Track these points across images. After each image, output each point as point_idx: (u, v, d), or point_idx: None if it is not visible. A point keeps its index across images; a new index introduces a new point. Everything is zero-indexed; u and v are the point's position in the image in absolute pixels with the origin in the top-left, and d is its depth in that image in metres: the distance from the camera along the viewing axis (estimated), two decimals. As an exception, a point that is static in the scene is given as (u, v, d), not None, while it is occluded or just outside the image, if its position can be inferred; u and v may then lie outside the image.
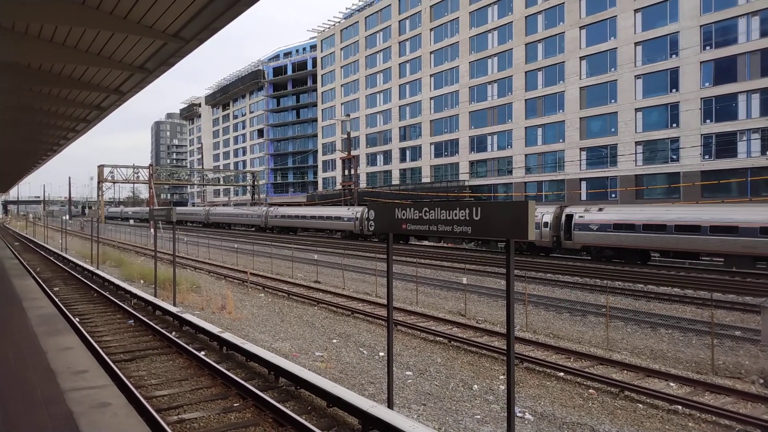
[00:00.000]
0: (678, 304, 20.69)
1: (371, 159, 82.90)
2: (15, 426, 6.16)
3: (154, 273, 20.88)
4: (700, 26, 45.42)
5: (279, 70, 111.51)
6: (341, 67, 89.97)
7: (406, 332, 16.04)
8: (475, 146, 66.11)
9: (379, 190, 75.67)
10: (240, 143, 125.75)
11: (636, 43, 49.85)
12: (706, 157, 45.44)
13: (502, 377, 11.84)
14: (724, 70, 44.35)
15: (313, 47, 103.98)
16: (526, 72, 59.86)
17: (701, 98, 45.62)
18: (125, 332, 14.83)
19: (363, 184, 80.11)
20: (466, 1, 66.20)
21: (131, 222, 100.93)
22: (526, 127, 59.98)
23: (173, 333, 14.29)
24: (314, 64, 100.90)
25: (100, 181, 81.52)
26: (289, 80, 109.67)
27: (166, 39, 11.63)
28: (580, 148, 54.60)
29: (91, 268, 28.26)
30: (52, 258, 36.31)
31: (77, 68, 15.16)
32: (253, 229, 74.06)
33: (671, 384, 11.51)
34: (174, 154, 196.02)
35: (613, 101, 51.80)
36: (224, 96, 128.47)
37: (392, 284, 8.64)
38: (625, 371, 12.29)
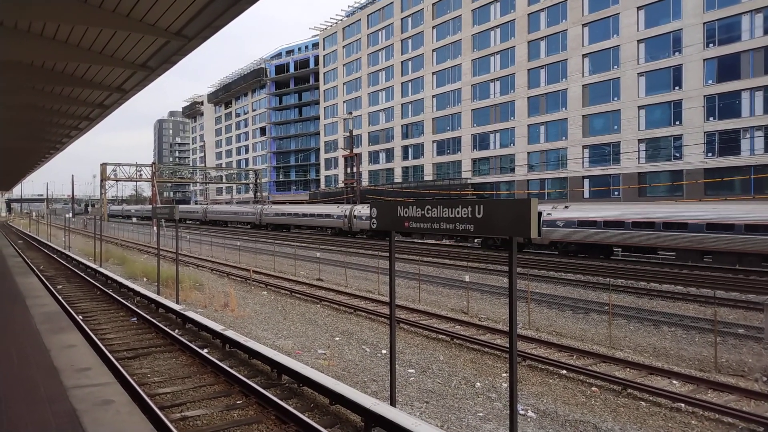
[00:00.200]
0: (681, 301, 20.65)
1: (373, 157, 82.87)
2: (18, 423, 6.18)
3: (157, 271, 20.91)
4: (704, 23, 45.27)
5: (281, 68, 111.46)
6: (343, 65, 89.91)
7: (409, 330, 16.05)
8: (478, 144, 66.02)
9: (381, 188, 75.68)
10: (242, 141, 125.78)
11: (639, 41, 49.71)
12: (709, 154, 45.32)
13: (504, 375, 11.84)
14: (727, 68, 44.20)
15: (315, 45, 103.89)
16: (528, 69, 59.74)
17: (704, 96, 45.48)
18: (128, 330, 14.86)
19: (365, 182, 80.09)
20: (468, -2, 66.12)
21: (134, 220, 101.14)
22: (528, 125, 59.87)
23: (176, 330, 14.32)
24: (316, 62, 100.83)
25: (103, 179, 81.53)
26: (292, 78, 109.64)
27: (168, 37, 11.64)
28: (583, 146, 54.50)
29: (94, 266, 28.32)
30: (55, 256, 36.41)
31: (80, 66, 15.18)
32: (248, 226, 76.33)
33: (674, 382, 11.49)
34: (177, 152, 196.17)
35: (615, 99, 51.68)
36: (227, 94, 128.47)
37: (394, 282, 8.64)
38: (628, 369, 12.27)
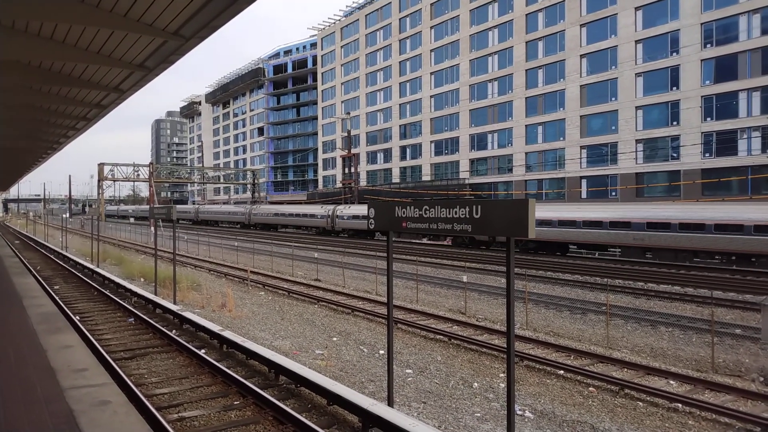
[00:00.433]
0: (678, 302, 20.69)
1: (371, 157, 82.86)
2: (15, 424, 6.16)
3: (155, 271, 20.88)
4: (701, 24, 45.34)
5: (279, 68, 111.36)
6: (341, 65, 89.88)
7: (407, 330, 16.05)
8: (476, 144, 66.05)
9: (379, 188, 75.68)
10: (240, 141, 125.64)
11: (637, 41, 49.78)
12: (707, 155, 45.39)
13: (502, 375, 11.84)
14: (724, 68, 44.27)
15: (313, 45, 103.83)
16: (526, 70, 59.78)
17: (702, 96, 45.55)
18: (125, 330, 14.84)
19: (363, 182, 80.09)
20: (466, -2, 66.15)
21: (131, 220, 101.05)
22: (526, 125, 59.92)
23: (173, 331, 14.30)
24: (314, 62, 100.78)
25: (101, 179, 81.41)
26: (290, 78, 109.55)
27: (165, 37, 11.62)
28: (581, 146, 54.56)
29: (91, 267, 28.27)
30: (52, 256, 36.33)
31: (77, 66, 15.15)
32: (238, 225, 78.60)
33: (671, 382, 11.51)
34: (174, 152, 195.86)
35: (613, 99, 51.74)
36: (224, 94, 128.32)
37: (392, 282, 8.64)
38: (625, 369, 12.29)
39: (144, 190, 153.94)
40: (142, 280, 26.14)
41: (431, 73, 71.85)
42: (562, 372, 12.07)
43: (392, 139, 78.58)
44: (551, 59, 57.17)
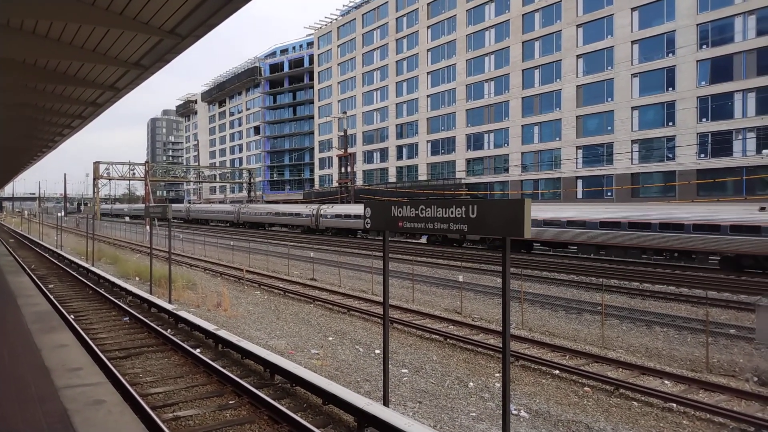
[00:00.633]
0: (673, 302, 20.76)
1: (368, 156, 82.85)
2: (9, 423, 6.14)
3: (150, 270, 20.83)
4: (697, 25, 45.49)
5: (275, 67, 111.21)
6: (338, 64, 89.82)
7: (402, 330, 16.06)
8: (472, 144, 66.11)
9: (375, 187, 75.67)
10: (236, 140, 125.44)
11: (633, 42, 49.90)
12: (702, 155, 45.55)
13: (497, 375, 11.86)
14: (720, 69, 44.44)
15: (309, 44, 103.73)
16: (523, 70, 59.87)
17: (697, 97, 45.71)
18: (120, 329, 14.80)
19: (359, 182, 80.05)
20: (463, -2, 66.20)
21: (126, 219, 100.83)
22: (522, 125, 60.01)
23: (169, 330, 14.27)
24: (311, 61, 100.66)
25: (96, 177, 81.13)
26: (286, 77, 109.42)
27: (162, 35, 11.57)
28: (577, 147, 54.67)
29: (86, 265, 28.18)
30: (47, 255, 36.21)
31: (72, 65, 15.07)
32: (227, 224, 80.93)
33: (666, 382, 11.55)
34: (170, 150, 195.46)
35: (609, 99, 51.87)
36: (220, 93, 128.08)
37: (388, 282, 8.64)
38: (620, 369, 12.33)
39: (140, 189, 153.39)
40: (137, 279, 26.07)
41: (428, 73, 71.87)
42: (557, 372, 12.09)
43: (389, 139, 78.58)
44: (548, 59, 57.27)
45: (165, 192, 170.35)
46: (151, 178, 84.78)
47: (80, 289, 22.08)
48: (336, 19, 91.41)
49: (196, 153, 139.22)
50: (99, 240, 40.59)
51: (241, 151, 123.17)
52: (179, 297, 19.86)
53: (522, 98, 59.97)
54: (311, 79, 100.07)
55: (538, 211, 36.08)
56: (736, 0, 43.17)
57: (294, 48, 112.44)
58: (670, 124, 47.54)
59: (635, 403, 10.48)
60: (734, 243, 27.28)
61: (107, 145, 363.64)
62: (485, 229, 6.61)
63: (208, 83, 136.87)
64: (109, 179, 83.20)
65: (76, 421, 6.15)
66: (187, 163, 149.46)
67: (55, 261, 32.25)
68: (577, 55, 54.48)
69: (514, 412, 9.79)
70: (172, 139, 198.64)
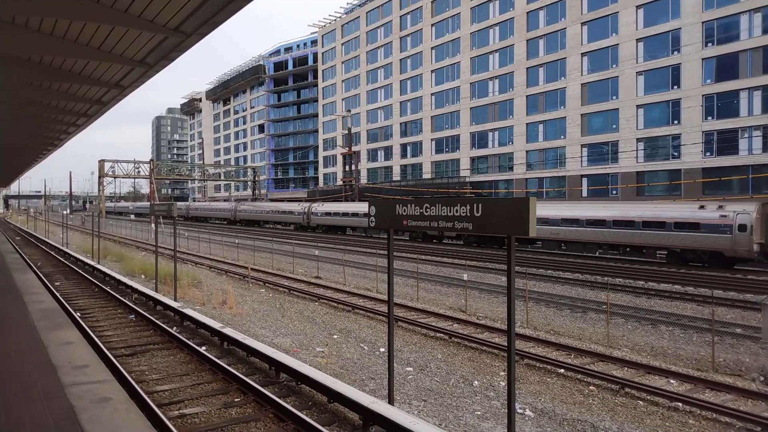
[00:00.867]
0: (679, 301, 20.68)
1: (372, 155, 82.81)
2: (16, 420, 6.16)
3: (155, 268, 20.88)
4: (702, 23, 45.27)
5: (280, 65, 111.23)
6: (342, 63, 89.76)
7: (407, 328, 16.05)
8: (476, 142, 66.00)
9: (380, 186, 75.63)
10: (241, 138, 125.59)
11: (638, 40, 49.69)
12: (708, 154, 45.35)
13: (502, 373, 11.84)
14: (725, 67, 44.21)
15: (314, 42, 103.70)
16: (527, 68, 59.71)
17: (703, 95, 45.50)
18: (126, 327, 14.84)
19: (364, 180, 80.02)
20: (467, -4, 66.04)
21: (132, 217, 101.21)
22: (527, 124, 59.86)
23: (174, 328, 14.31)
24: (315, 60, 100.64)
25: (101, 175, 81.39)
26: (290, 75, 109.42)
27: (166, 33, 11.59)
28: (581, 145, 54.51)
29: (92, 263, 28.27)
30: (53, 252, 36.35)
31: (78, 62, 15.12)
32: (225, 222, 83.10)
33: (672, 381, 11.50)
34: (175, 149, 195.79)
35: (614, 98, 51.69)
36: (225, 91, 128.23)
37: (393, 280, 8.63)
38: (626, 368, 12.29)
39: (144, 187, 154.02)
40: (142, 276, 26.14)
41: (432, 71, 71.76)
42: (562, 370, 12.06)
43: (393, 137, 78.52)
44: (552, 57, 57.10)
45: (170, 190, 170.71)
46: (155, 176, 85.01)
47: (86, 286, 22.16)
48: (340, 17, 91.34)
49: (200, 151, 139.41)
50: (104, 238, 40.72)
51: (245, 149, 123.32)
52: (185, 295, 19.91)
53: (526, 96, 59.81)
54: (315, 77, 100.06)
55: None
56: (742, -3, 42.95)
57: (298, 46, 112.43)
58: (676, 122, 47.34)
59: (641, 402, 10.45)
60: (677, 238, 29.42)
61: (112, 144, 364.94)
62: (490, 228, 6.60)
63: (212, 81, 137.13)
64: (114, 177, 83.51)
65: (82, 419, 6.16)
66: (191, 162, 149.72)
67: (61, 258, 32.37)
68: (582, 53, 54.29)
69: (519, 410, 9.78)
70: (176, 137, 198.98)
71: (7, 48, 13.26)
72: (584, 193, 53.75)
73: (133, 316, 16.09)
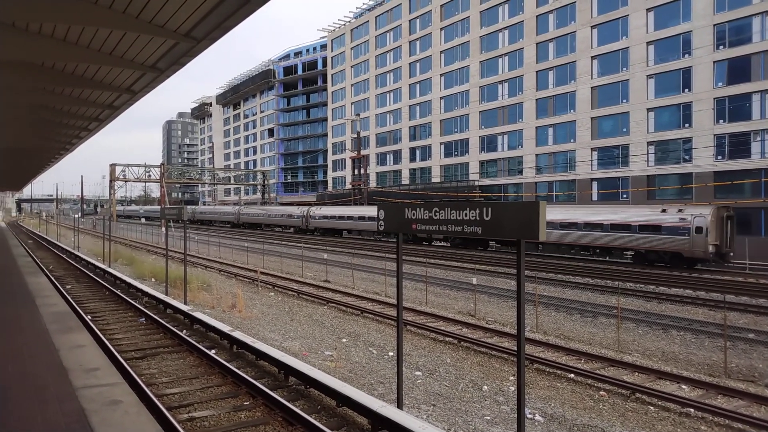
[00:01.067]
0: (690, 305, 20.51)
1: (381, 158, 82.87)
2: (28, 422, 6.21)
3: (165, 271, 20.99)
4: (714, 25, 44.96)
5: (289, 70, 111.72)
6: (351, 67, 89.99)
7: (416, 332, 16.02)
8: (485, 146, 65.88)
9: (388, 189, 75.63)
10: (250, 142, 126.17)
11: (648, 43, 49.44)
12: (719, 157, 44.99)
13: (512, 378, 11.79)
14: (737, 70, 43.87)
15: (323, 47, 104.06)
16: (537, 71, 59.56)
17: (714, 98, 45.16)
18: (136, 330, 14.92)
19: (373, 184, 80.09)
20: (476, 0, 65.99)
21: (142, 220, 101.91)
22: (536, 127, 59.68)
23: (184, 331, 14.36)
24: (324, 64, 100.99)
25: (112, 179, 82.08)
26: (300, 80, 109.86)
27: (177, 38, 11.69)
28: (592, 148, 54.26)
29: (102, 266, 28.47)
30: (64, 256, 36.64)
31: (90, 68, 15.27)
32: (228, 225, 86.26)
33: (683, 386, 11.41)
34: (185, 153, 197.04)
35: (624, 101, 51.43)
36: (235, 95, 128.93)
37: (402, 284, 8.62)
38: (637, 373, 12.20)
39: (155, 191, 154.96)
40: (153, 280, 26.28)
41: (441, 75, 71.77)
42: (572, 375, 11.99)
43: (402, 141, 78.55)
44: (562, 61, 56.93)
45: (180, 194, 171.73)
46: (166, 180, 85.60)
47: (97, 289, 22.31)
48: (349, 22, 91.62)
49: (210, 155, 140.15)
50: (115, 241, 41.01)
51: (255, 153, 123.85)
52: (194, 298, 19.99)
53: (536, 100, 59.65)
54: (325, 81, 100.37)
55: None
56: (753, 0, 42.61)
57: (307, 51, 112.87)
58: (687, 125, 47.01)
59: (652, 407, 10.37)
60: (641, 240, 31.51)
61: (123, 148, 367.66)
62: (500, 232, 6.58)
63: (222, 86, 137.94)
64: (125, 181, 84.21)
65: (93, 421, 6.20)
66: (201, 166, 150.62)
67: (73, 262, 32.63)
68: (592, 57, 54.09)
69: (529, 415, 9.73)
70: (187, 141, 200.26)
71: (20, 54, 13.42)
72: (594, 197, 53.49)
73: (143, 319, 16.17)
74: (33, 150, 33.55)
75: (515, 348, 8.71)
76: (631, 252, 33.18)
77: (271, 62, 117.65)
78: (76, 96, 18.92)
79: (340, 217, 58.90)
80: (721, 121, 44.95)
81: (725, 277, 27.26)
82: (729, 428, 9.48)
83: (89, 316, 15.98)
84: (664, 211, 31.32)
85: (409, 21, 77.10)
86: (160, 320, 15.35)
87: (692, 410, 10.08)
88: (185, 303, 17.75)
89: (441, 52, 71.77)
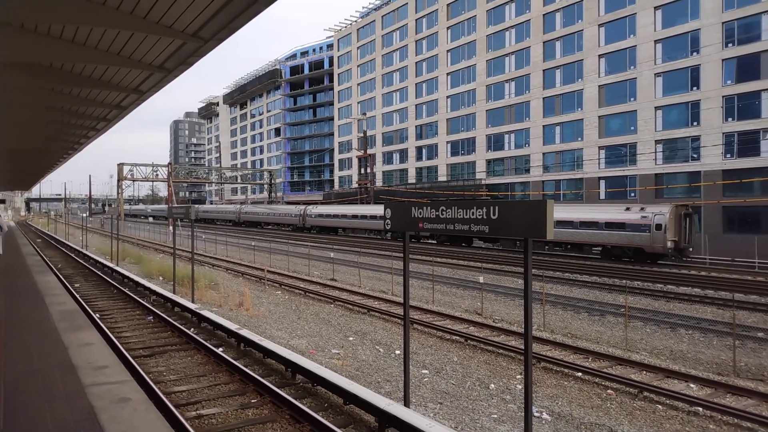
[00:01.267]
0: (698, 304, 20.41)
1: (387, 157, 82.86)
2: (38, 419, 6.27)
3: (173, 270, 21.09)
4: (722, 23, 44.65)
5: (296, 69, 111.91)
6: (358, 66, 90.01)
7: (423, 331, 16.03)
8: (492, 145, 65.74)
9: (395, 188, 75.63)
10: (257, 142, 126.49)
11: (656, 41, 49.16)
12: (728, 155, 44.67)
13: (519, 376, 11.78)
14: (746, 68, 43.53)
15: (329, 46, 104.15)
16: (543, 70, 59.37)
17: (723, 96, 44.84)
18: (144, 328, 15.00)
19: (379, 183, 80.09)
20: (483, -2, 65.87)
21: (150, 220, 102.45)
22: (543, 126, 59.49)
23: (192, 329, 14.43)
24: (331, 63, 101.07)
25: (120, 179, 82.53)
26: (306, 79, 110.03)
27: (185, 39, 11.72)
28: (599, 147, 54.03)
29: (111, 265, 28.64)
30: (72, 255, 36.86)
31: (97, 68, 15.34)
32: (230, 223, 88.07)
33: (691, 385, 11.36)
34: (192, 152, 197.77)
35: (632, 99, 51.16)
36: (242, 95, 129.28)
37: (408, 282, 8.63)
38: (644, 372, 12.16)
39: (163, 190, 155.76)
40: (160, 278, 26.41)
41: (447, 74, 71.66)
42: (579, 374, 11.97)
43: (408, 140, 78.51)
44: (569, 59, 56.71)
45: (187, 193, 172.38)
46: (173, 179, 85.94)
47: (105, 288, 22.44)
48: (355, 21, 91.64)
49: (217, 155, 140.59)
50: (123, 240, 41.22)
51: (262, 152, 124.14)
52: (202, 296, 20.08)
53: (543, 98, 59.46)
54: (331, 80, 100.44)
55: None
56: (763, -3, 42.30)
57: (314, 50, 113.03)
58: (695, 123, 46.72)
59: (660, 406, 10.33)
60: (608, 236, 33.44)
61: (131, 147, 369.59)
62: (507, 231, 6.57)
63: (229, 86, 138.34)
64: (133, 180, 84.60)
65: (102, 419, 6.25)
66: (209, 165, 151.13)
67: (81, 261, 32.83)
68: (599, 55, 53.84)
69: (536, 414, 9.72)
70: (194, 140, 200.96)
71: (29, 55, 13.50)
72: (602, 196, 53.27)
73: (151, 317, 16.26)
74: (42, 150, 33.74)
75: (522, 346, 8.70)
76: (599, 248, 35.04)
77: (277, 62, 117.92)
78: (85, 96, 19.01)
79: (335, 216, 61.08)
80: (729, 119, 44.64)
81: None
82: (738, 427, 9.44)
83: (97, 315, 16.08)
84: (628, 209, 33.47)
85: (416, 20, 77.01)
86: (168, 318, 15.43)
87: (701, 409, 10.04)
88: (193, 301, 17.83)
89: (447, 51, 71.65)
